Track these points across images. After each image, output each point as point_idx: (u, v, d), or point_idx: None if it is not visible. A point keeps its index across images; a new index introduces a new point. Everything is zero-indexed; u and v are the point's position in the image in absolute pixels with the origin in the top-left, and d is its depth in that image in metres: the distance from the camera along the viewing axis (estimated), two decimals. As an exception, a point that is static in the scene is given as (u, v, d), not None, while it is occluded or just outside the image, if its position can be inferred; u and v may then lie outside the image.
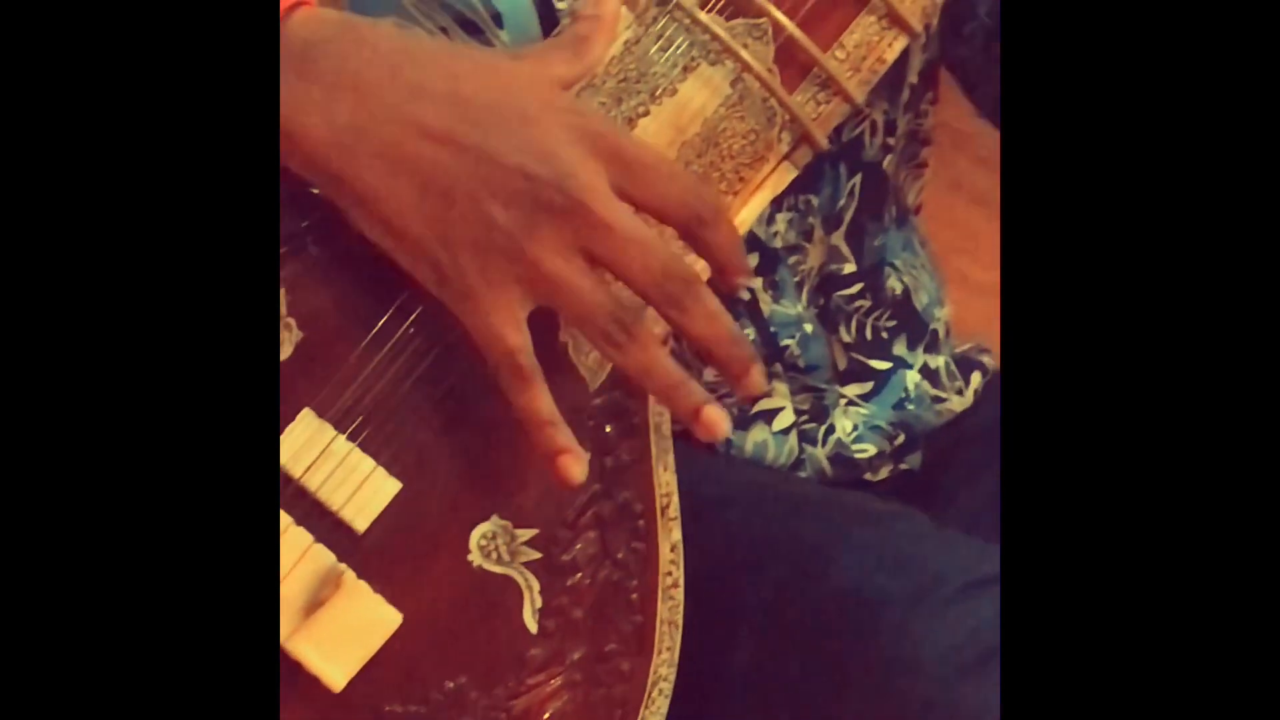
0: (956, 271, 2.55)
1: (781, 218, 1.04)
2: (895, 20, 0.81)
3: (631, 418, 0.84)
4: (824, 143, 0.82)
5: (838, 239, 1.07)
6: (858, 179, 1.07)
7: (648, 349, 0.79)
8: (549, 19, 0.95)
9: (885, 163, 1.08)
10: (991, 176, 3.02)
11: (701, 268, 0.81)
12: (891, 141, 1.08)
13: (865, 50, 0.81)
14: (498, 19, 0.94)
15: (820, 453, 1.07)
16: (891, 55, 0.81)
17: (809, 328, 1.06)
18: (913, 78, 1.09)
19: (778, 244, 1.04)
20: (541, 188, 0.78)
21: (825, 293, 1.08)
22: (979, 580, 0.92)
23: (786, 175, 0.83)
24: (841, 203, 1.07)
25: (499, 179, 0.79)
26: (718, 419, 0.81)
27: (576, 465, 0.80)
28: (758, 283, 1.04)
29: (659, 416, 0.85)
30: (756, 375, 0.81)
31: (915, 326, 1.11)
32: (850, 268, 1.08)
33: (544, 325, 0.81)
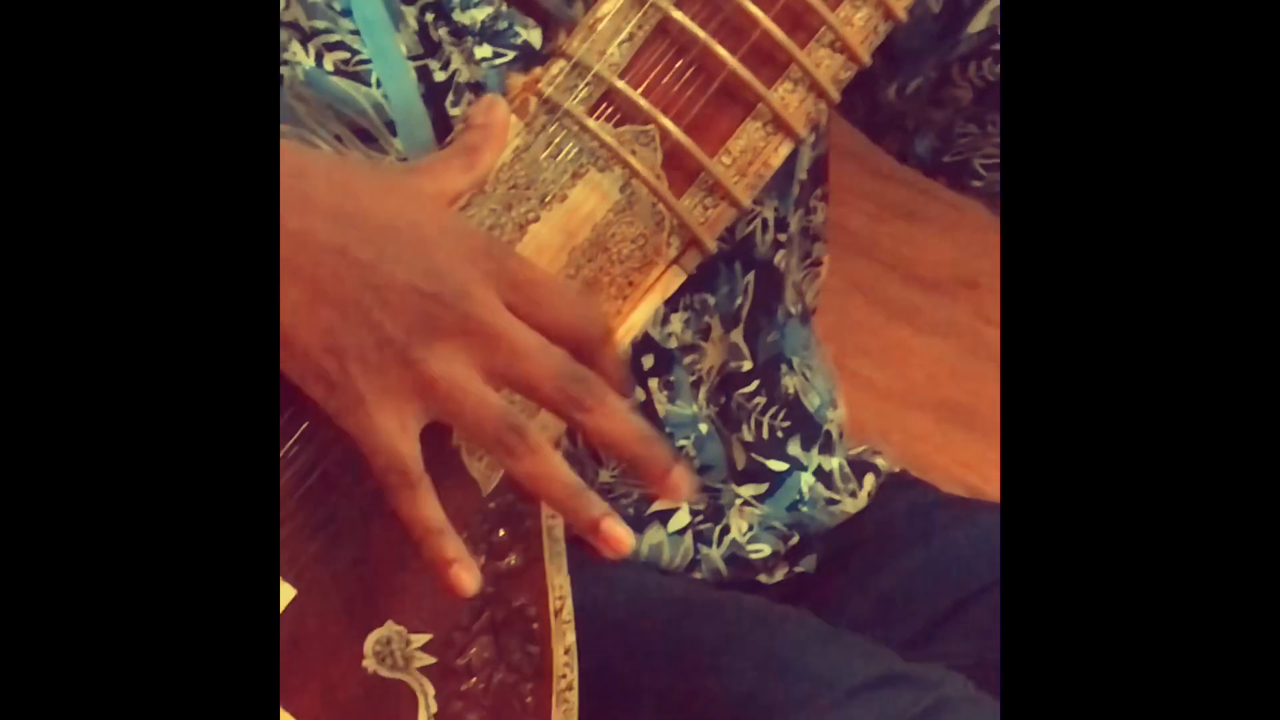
0: (854, 374, 2.58)
1: (677, 318, 1.05)
2: (780, 126, 0.82)
3: (524, 521, 0.84)
4: (712, 246, 0.82)
5: (736, 337, 1.08)
6: (752, 276, 1.08)
7: (544, 458, 0.79)
8: (442, 125, 0.96)
9: (778, 259, 1.09)
10: (890, 276, 3.06)
11: None
12: (783, 238, 1.09)
13: (751, 155, 0.82)
14: (391, 127, 0.95)
15: (715, 553, 1.07)
16: (777, 160, 0.83)
17: (704, 428, 1.07)
18: (802, 174, 1.10)
19: (673, 344, 1.05)
20: (434, 305, 0.78)
21: (726, 391, 1.09)
22: (866, 684, 0.92)
23: (675, 279, 0.83)
24: (739, 301, 1.08)
25: (391, 294, 0.80)
26: (619, 533, 0.80)
27: (466, 575, 0.80)
28: (653, 383, 1.05)
29: (552, 520, 0.85)
30: (679, 477, 0.81)
31: (809, 427, 1.12)
32: (747, 365, 1.09)
33: (436, 429, 0.81)
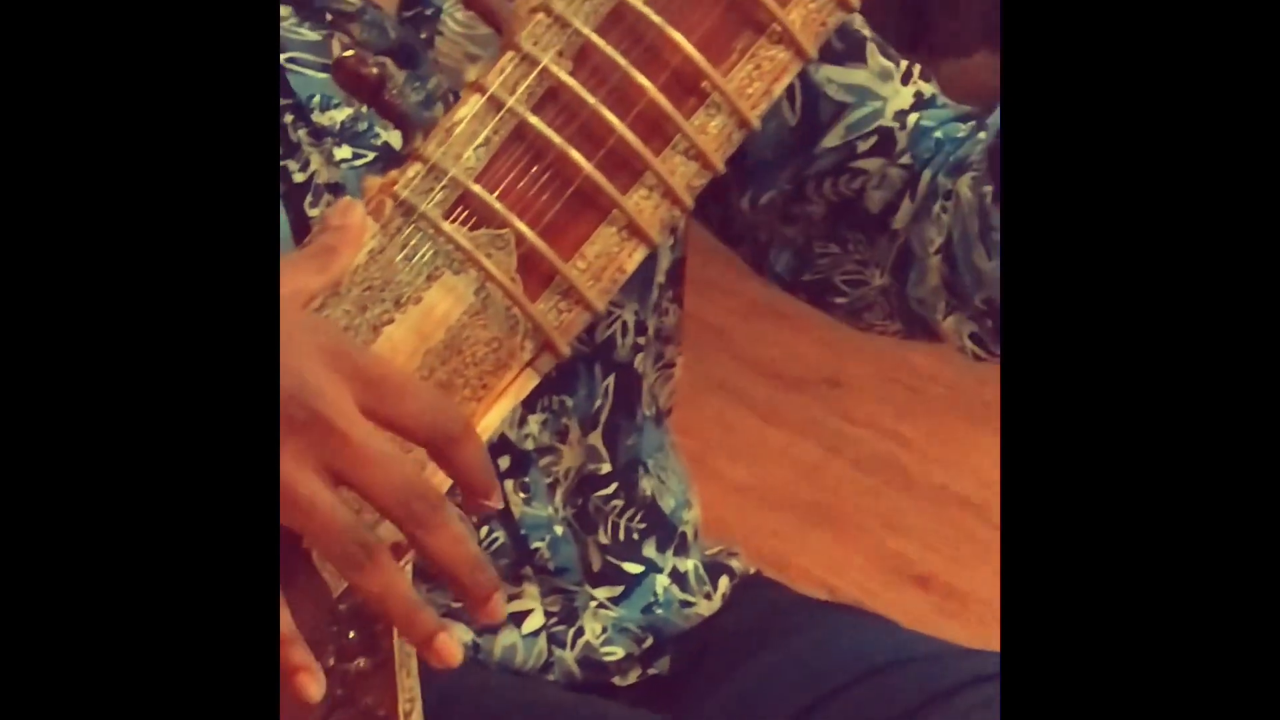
0: (716, 472, 2.59)
1: (534, 419, 1.05)
2: (635, 232, 0.82)
3: (375, 623, 0.84)
4: (566, 350, 0.83)
5: (595, 439, 1.08)
6: (611, 379, 1.08)
7: (386, 573, 0.79)
8: (300, 227, 0.96)
9: (637, 362, 1.10)
10: (754, 374, 3.07)
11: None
12: (642, 341, 1.10)
13: (606, 260, 0.83)
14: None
15: (569, 655, 1.07)
16: (631, 265, 0.83)
17: (560, 530, 1.07)
18: (660, 278, 1.11)
19: (529, 445, 1.05)
20: (286, 404, 0.78)
21: (583, 493, 1.09)
22: None
23: (529, 382, 0.83)
24: (598, 403, 1.08)
25: None
26: (450, 649, 0.80)
27: (313, 684, 0.79)
28: (509, 485, 1.05)
29: (403, 622, 0.85)
30: (497, 604, 0.81)
31: (664, 529, 1.12)
32: (606, 468, 1.09)
33: (288, 530, 0.81)
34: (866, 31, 1.12)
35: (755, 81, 0.82)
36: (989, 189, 1.06)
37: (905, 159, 1.11)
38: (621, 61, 0.81)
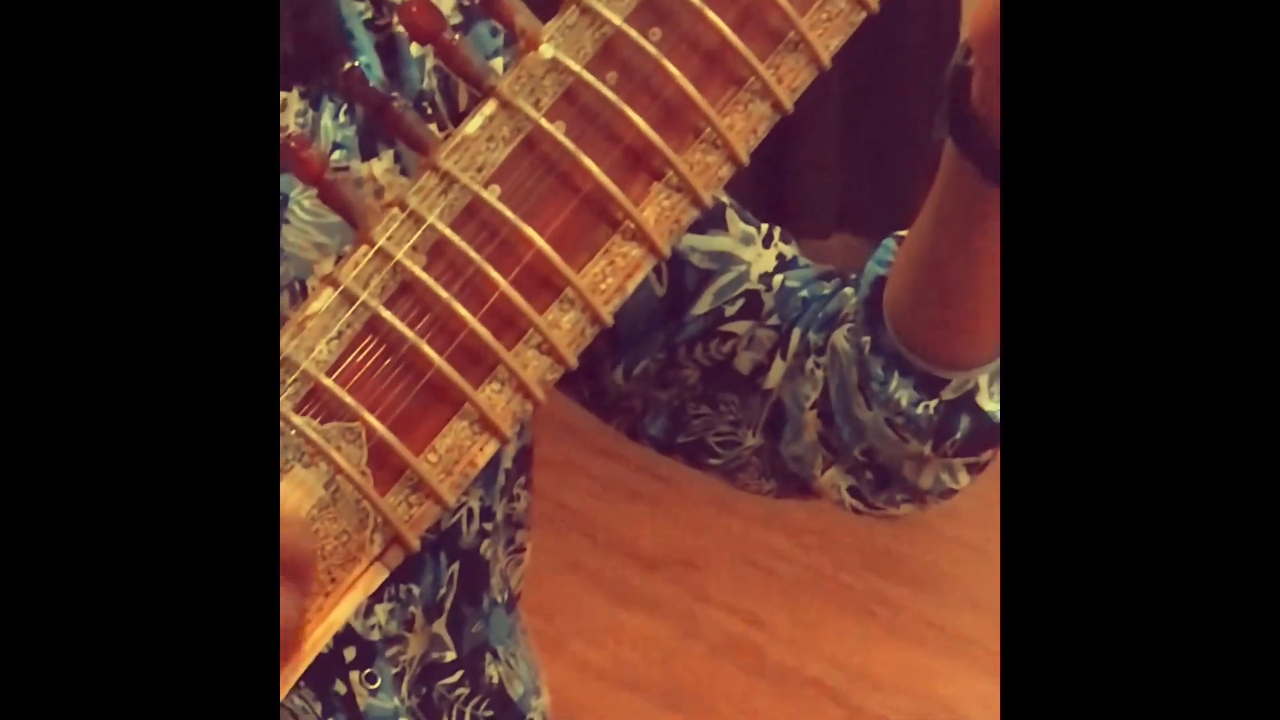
0: (570, 654, 2.58)
1: (381, 609, 1.05)
2: (487, 425, 0.82)
3: None
4: (415, 544, 0.82)
5: (439, 627, 1.08)
6: (456, 566, 1.08)
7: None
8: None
9: (483, 548, 1.09)
10: (609, 555, 3.05)
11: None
12: (489, 527, 1.10)
13: (458, 454, 0.82)
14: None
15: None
16: (483, 459, 0.83)
17: (405, 720, 1.06)
18: (508, 464, 1.11)
19: (375, 636, 1.04)
20: None
21: (427, 682, 1.08)
22: None
23: (377, 577, 0.83)
24: (443, 591, 1.07)
25: None
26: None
27: None
28: (354, 676, 1.04)
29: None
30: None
31: (512, 716, 1.11)
32: (451, 655, 1.09)
33: None
34: (725, 198, 1.13)
35: (609, 278, 0.82)
36: (867, 339, 1.07)
37: (773, 319, 1.12)
38: (475, 257, 0.81)
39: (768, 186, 4.07)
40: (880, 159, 3.87)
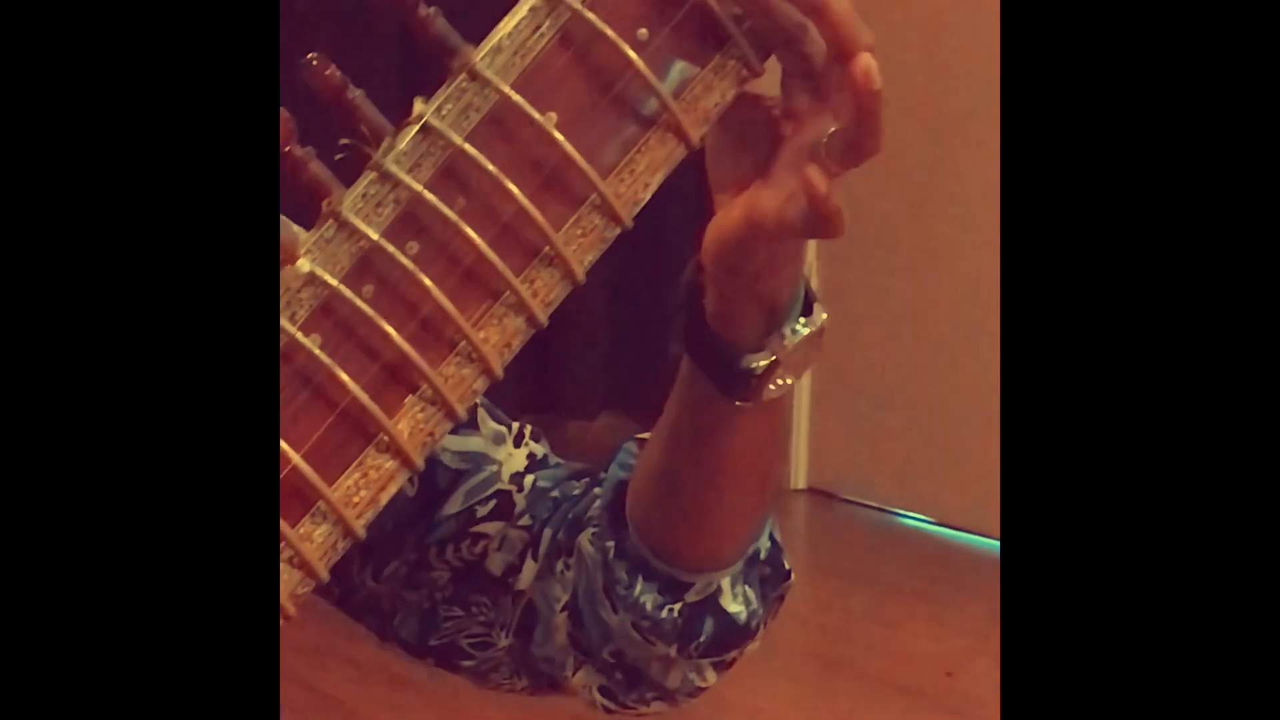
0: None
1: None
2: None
3: None
4: None
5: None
6: None
7: None
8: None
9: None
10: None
11: None
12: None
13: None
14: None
15: None
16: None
17: None
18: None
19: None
20: None
21: None
22: None
23: None
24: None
25: None
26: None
27: None
28: None
29: None
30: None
31: None
32: None
33: None
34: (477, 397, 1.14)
35: (362, 490, 0.82)
36: (610, 544, 1.08)
37: (524, 520, 1.13)
38: (227, 469, 0.81)
39: (535, 366, 4.08)
40: (647, 338, 3.91)
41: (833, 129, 0.87)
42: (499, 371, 0.83)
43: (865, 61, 0.84)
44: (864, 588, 3.48)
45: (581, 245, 0.83)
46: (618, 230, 0.83)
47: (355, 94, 0.83)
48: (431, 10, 0.82)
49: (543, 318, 0.83)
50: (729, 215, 0.93)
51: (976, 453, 3.76)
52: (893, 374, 3.93)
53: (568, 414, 4.13)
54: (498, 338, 0.82)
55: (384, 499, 0.83)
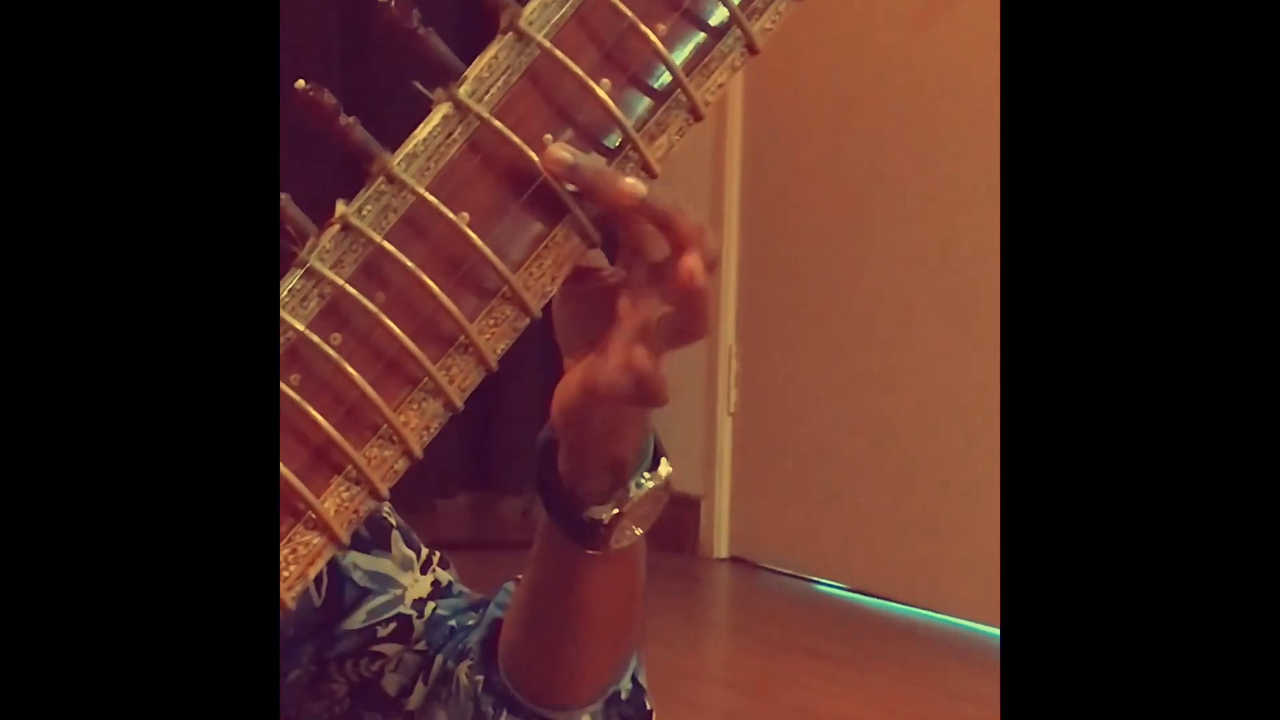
0: None
1: None
2: None
3: None
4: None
5: None
6: None
7: None
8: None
9: None
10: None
11: None
12: None
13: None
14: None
15: None
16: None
17: None
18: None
19: None
20: None
21: None
22: None
23: None
24: None
25: None
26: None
27: None
28: None
29: None
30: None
31: None
32: None
33: None
34: (394, 519, 1.20)
35: (291, 565, 0.87)
36: (480, 678, 1.14)
37: (421, 645, 1.18)
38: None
39: (475, 443, 4.11)
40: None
41: (661, 312, 0.92)
42: (419, 452, 0.88)
43: (690, 263, 0.88)
44: (782, 651, 3.54)
45: (494, 334, 0.88)
46: (527, 320, 0.89)
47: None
48: (351, 119, 0.88)
49: (458, 402, 0.88)
50: (570, 380, 0.97)
51: (894, 523, 3.83)
52: (811, 445, 3.99)
53: (508, 490, 4.16)
54: (417, 421, 0.88)
55: (312, 574, 0.87)
